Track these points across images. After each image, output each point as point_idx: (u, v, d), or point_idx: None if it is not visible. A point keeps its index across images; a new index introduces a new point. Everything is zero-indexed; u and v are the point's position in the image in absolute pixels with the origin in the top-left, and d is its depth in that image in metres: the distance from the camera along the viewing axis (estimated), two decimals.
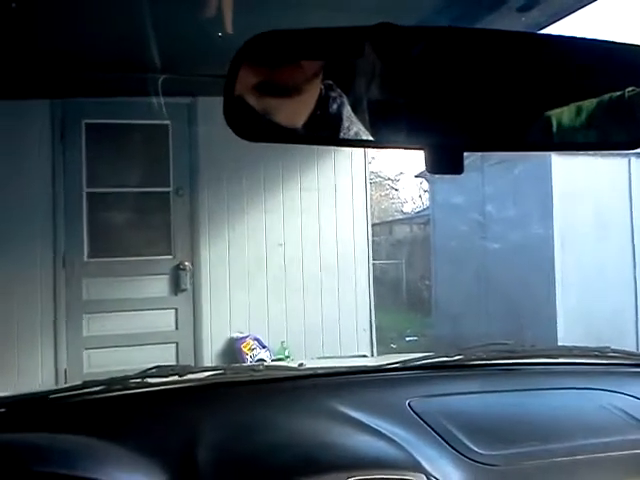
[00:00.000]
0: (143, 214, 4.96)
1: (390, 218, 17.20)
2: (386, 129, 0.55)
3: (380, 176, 20.74)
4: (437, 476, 0.91)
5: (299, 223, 5.22)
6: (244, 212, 5.09)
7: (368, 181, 5.70)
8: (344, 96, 0.54)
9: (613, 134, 0.62)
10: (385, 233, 13.94)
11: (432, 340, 8.95)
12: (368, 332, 5.47)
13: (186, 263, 4.89)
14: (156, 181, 4.95)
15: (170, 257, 4.90)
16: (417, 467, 0.92)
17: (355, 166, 5.41)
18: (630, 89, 0.60)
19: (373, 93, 0.54)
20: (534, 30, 3.52)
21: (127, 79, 4.12)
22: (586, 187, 6.96)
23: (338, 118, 0.54)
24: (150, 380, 1.25)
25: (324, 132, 0.56)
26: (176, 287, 4.87)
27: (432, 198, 10.25)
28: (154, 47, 3.53)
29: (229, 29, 3.13)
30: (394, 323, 9.60)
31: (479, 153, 6.78)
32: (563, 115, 0.58)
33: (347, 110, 0.54)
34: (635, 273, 7.10)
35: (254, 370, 1.35)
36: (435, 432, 1.08)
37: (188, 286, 4.87)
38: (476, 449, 1.03)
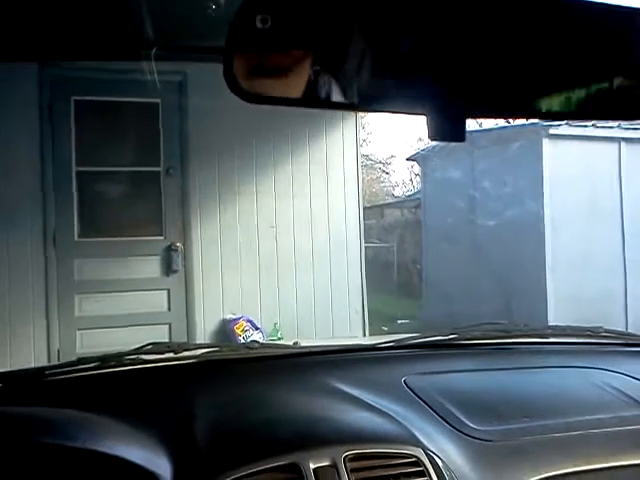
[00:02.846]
0: (134, 194, 4.93)
1: (381, 202, 17.19)
2: (388, 93, 0.54)
3: (371, 159, 20.70)
4: (434, 450, 0.92)
5: (291, 205, 5.21)
6: (235, 193, 5.06)
7: (360, 164, 5.69)
8: (347, 58, 0.53)
9: (618, 105, 0.61)
10: (377, 216, 13.95)
11: (424, 322, 8.99)
12: (360, 314, 5.49)
13: (177, 244, 4.87)
14: (146, 160, 4.91)
15: (161, 238, 4.88)
16: (414, 441, 0.92)
17: (347, 148, 5.39)
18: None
19: (376, 56, 0.53)
20: None
21: (116, 51, 4.05)
22: (576, 171, 6.98)
23: (341, 80, 0.53)
24: (145, 357, 1.25)
25: (326, 94, 0.55)
26: (168, 268, 4.85)
27: (423, 181, 10.25)
28: (145, 19, 3.47)
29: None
30: (386, 306, 9.64)
31: (470, 136, 6.76)
32: (568, 84, 0.57)
33: (348, 72, 0.54)
34: (624, 255, 7.16)
35: (249, 348, 1.35)
36: (431, 408, 1.08)
37: (180, 267, 4.86)
38: (471, 424, 1.03)
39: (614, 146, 7.19)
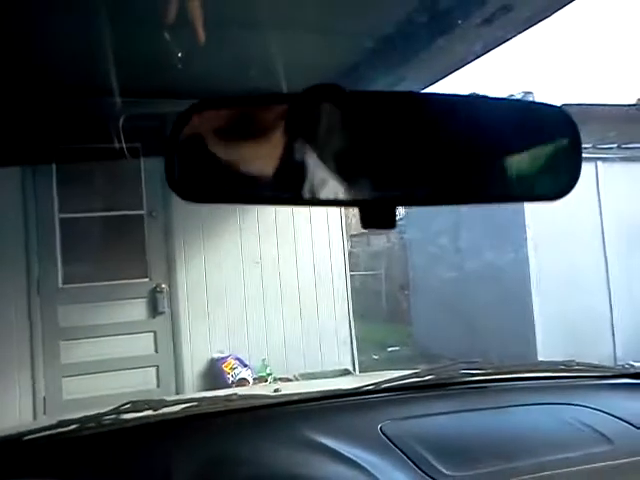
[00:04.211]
0: (117, 238, 4.95)
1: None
2: (322, 188, 0.59)
3: None
4: None
5: (275, 239, 5.25)
6: (219, 231, 5.10)
7: None
8: (285, 155, 0.57)
9: (540, 186, 0.66)
10: (363, 244, 13.99)
11: (413, 349, 8.99)
12: (349, 344, 5.49)
13: (163, 285, 4.88)
14: (129, 204, 4.94)
15: (146, 280, 4.88)
16: None
17: None
18: (552, 143, 0.65)
19: (311, 152, 0.57)
20: (496, 43, 3.63)
21: (93, 104, 4.11)
22: None
23: (278, 177, 0.58)
24: (125, 416, 1.26)
25: (264, 191, 0.59)
26: (154, 310, 4.85)
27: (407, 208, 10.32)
28: (122, 71, 3.54)
29: (198, 42, 3.14)
30: (375, 334, 9.63)
31: None
32: (491, 169, 0.63)
33: (287, 169, 0.58)
34: (608, 275, 7.23)
35: (228, 400, 1.36)
36: (406, 456, 1.10)
37: (166, 308, 4.86)
38: (445, 471, 1.05)
39: (591, 166, 7.32)
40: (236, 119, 0.58)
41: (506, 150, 0.63)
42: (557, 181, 0.66)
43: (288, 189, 0.58)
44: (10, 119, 4.13)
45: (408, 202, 0.66)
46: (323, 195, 0.58)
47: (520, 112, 0.68)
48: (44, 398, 4.58)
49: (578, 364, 1.50)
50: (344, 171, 0.58)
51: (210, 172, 0.58)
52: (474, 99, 0.64)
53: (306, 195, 0.57)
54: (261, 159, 0.57)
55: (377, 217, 0.60)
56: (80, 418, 1.24)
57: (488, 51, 3.78)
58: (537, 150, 0.64)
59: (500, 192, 0.64)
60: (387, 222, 0.59)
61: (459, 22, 3.40)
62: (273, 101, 0.60)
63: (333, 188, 0.58)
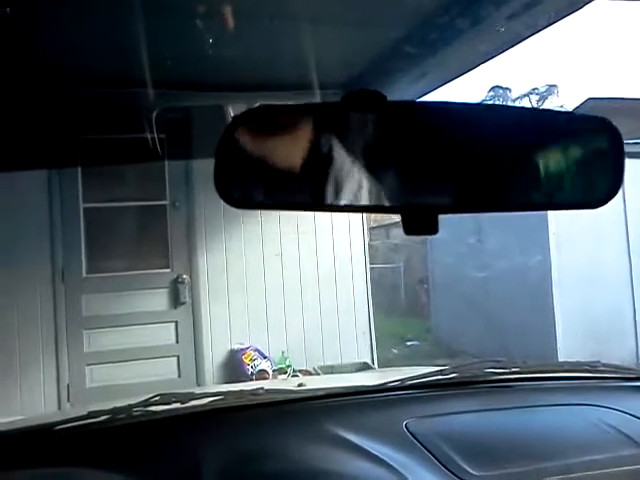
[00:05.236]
0: (140, 228, 4.99)
1: (387, 221, 17.19)
2: (365, 195, 0.59)
3: None
4: None
5: (296, 231, 5.26)
6: (240, 223, 5.12)
7: None
8: (328, 163, 0.58)
9: (580, 193, 0.66)
10: (382, 237, 13.96)
11: (432, 344, 8.97)
12: (368, 337, 5.49)
13: (184, 276, 4.92)
14: (152, 194, 4.98)
15: (168, 270, 4.93)
16: None
17: None
18: (590, 153, 0.65)
19: (354, 160, 0.58)
20: (521, 37, 3.59)
21: (121, 95, 4.15)
22: None
23: (323, 185, 0.58)
24: (153, 408, 1.28)
25: (309, 199, 0.60)
26: (175, 300, 4.90)
27: None
28: (149, 63, 3.56)
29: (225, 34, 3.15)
30: (394, 327, 9.62)
31: None
32: (532, 177, 0.63)
33: (331, 177, 0.58)
34: (631, 272, 7.14)
35: (254, 394, 1.38)
36: (431, 454, 1.11)
37: (187, 299, 4.90)
38: (471, 470, 1.06)
39: None
40: (282, 127, 0.59)
41: (547, 158, 0.64)
42: (598, 188, 0.66)
43: (335, 196, 0.59)
44: (37, 109, 4.19)
45: (450, 210, 0.66)
46: (369, 202, 0.59)
47: (560, 121, 0.68)
48: (68, 386, 4.66)
49: (603, 365, 1.49)
50: (388, 179, 0.59)
51: (259, 179, 0.59)
52: (516, 110, 0.65)
53: (353, 202, 0.58)
54: (307, 166, 0.58)
55: (419, 224, 0.60)
56: (110, 409, 1.26)
57: (512, 46, 3.73)
58: (578, 158, 0.65)
59: (540, 200, 0.64)
60: (429, 228, 0.60)
61: (485, 16, 3.37)
62: (317, 110, 0.61)
63: (378, 195, 0.58)
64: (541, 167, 0.63)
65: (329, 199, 0.59)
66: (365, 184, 0.58)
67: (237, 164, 0.60)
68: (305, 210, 0.64)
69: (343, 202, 0.58)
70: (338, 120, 0.59)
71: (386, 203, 0.60)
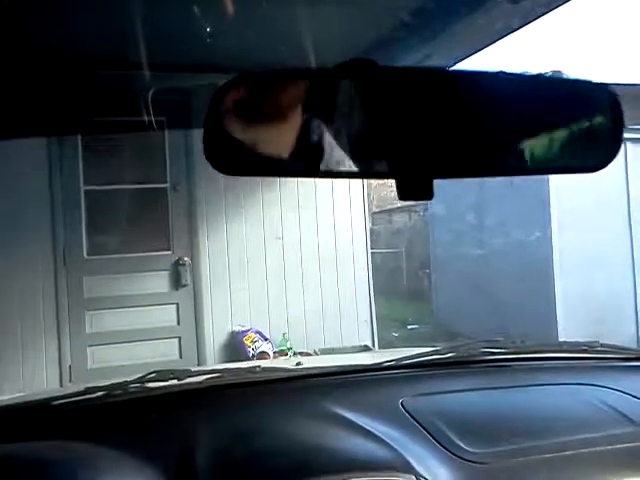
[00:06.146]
0: (141, 210, 4.99)
1: (389, 206, 17.17)
2: (359, 161, 0.59)
3: None
4: (426, 476, 0.94)
5: (297, 215, 5.25)
6: (241, 206, 5.11)
7: None
8: (321, 129, 0.57)
9: (578, 158, 0.65)
10: (384, 222, 13.95)
11: (433, 328, 9.00)
12: (369, 321, 5.50)
13: (185, 258, 4.93)
14: (153, 177, 4.97)
15: (169, 253, 4.93)
16: (407, 468, 0.95)
17: None
18: (589, 119, 0.64)
19: (347, 126, 0.57)
20: (525, 20, 3.56)
21: (120, 77, 4.13)
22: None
23: (317, 151, 0.58)
24: (150, 385, 1.29)
25: (303, 164, 0.59)
26: (176, 282, 4.91)
27: None
28: (148, 45, 3.53)
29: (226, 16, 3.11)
30: (395, 311, 9.65)
31: None
32: (529, 143, 0.62)
33: (325, 142, 0.58)
34: (633, 256, 7.13)
35: (251, 372, 1.38)
36: (426, 431, 1.11)
37: (188, 281, 4.91)
38: (466, 447, 1.06)
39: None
40: (272, 93, 0.58)
41: (544, 122, 0.63)
42: (596, 153, 0.65)
43: (329, 162, 0.58)
44: (38, 90, 4.17)
45: (444, 174, 0.65)
46: (364, 167, 0.58)
47: (559, 86, 0.67)
48: (70, 366, 4.69)
49: (602, 345, 1.49)
50: (381, 145, 0.58)
51: (247, 145, 0.59)
52: (513, 75, 0.64)
53: (347, 168, 0.58)
54: (298, 133, 0.57)
55: (414, 188, 0.60)
56: (107, 385, 1.27)
57: (517, 29, 3.70)
58: (575, 123, 0.64)
59: (537, 164, 0.63)
60: (424, 193, 0.60)
61: None
62: (308, 76, 0.60)
63: (372, 161, 0.58)
64: (538, 131, 0.62)
65: (323, 165, 0.58)
66: (359, 150, 0.57)
67: (226, 131, 0.60)
68: (298, 176, 0.63)
69: (337, 168, 0.58)
70: (330, 86, 0.58)
71: (380, 168, 0.59)
